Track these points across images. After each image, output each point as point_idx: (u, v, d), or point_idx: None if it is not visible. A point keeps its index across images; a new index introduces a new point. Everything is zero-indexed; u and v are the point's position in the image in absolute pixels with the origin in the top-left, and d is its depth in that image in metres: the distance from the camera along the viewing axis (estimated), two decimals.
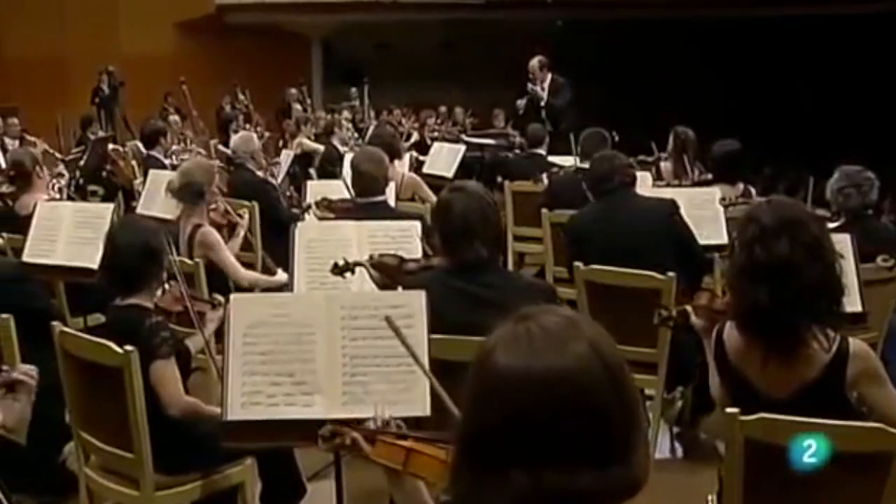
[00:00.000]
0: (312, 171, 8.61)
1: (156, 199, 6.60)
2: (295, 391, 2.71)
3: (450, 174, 8.16)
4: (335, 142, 8.91)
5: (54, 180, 6.57)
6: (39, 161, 5.67)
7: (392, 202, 5.10)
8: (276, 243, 6.27)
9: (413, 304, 2.77)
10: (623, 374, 1.36)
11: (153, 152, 7.90)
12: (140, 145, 11.43)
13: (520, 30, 15.61)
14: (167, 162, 7.80)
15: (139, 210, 6.81)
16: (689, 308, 3.15)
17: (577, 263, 4.36)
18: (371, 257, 3.75)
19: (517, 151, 9.34)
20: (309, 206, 5.48)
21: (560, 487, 1.29)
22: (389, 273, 3.56)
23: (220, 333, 3.73)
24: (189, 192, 4.91)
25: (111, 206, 5.18)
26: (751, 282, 2.48)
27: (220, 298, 3.94)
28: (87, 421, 3.29)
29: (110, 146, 10.22)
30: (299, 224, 4.28)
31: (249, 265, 5.94)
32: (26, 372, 2.24)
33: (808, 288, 2.45)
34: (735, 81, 14.47)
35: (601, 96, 9.77)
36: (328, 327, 2.75)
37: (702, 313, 3.06)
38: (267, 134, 12.03)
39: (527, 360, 1.32)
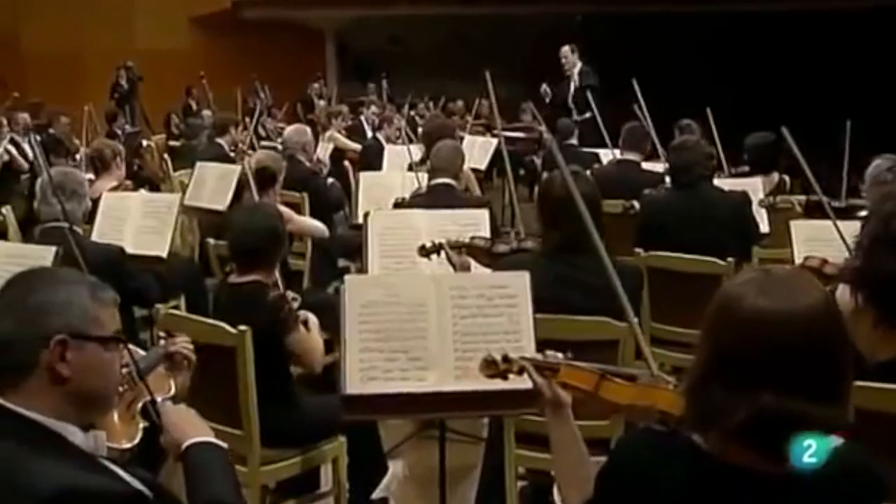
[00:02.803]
0: (347, 163, 8.74)
1: (203, 190, 6.75)
2: (409, 366, 2.86)
3: (482, 167, 8.30)
4: (380, 136, 9.03)
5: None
6: (120, 154, 5.89)
7: None
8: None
9: (517, 285, 2.93)
10: (843, 318, 1.64)
11: (220, 140, 8.08)
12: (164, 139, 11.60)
13: (537, 24, 15.70)
14: (232, 154, 7.98)
15: (186, 202, 6.96)
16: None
17: (638, 250, 4.53)
18: (449, 241, 3.90)
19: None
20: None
21: (798, 411, 1.53)
22: (478, 255, 3.71)
23: None
24: (265, 178, 5.26)
25: (178, 196, 5.34)
26: (884, 251, 2.65)
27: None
28: (191, 400, 3.41)
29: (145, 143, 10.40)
30: (371, 213, 4.43)
31: (300, 254, 6.12)
32: (184, 343, 2.36)
33: None
34: (759, 75, 14.56)
35: (623, 92, 9.90)
36: (438, 306, 2.90)
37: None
38: (287, 129, 12.15)
39: (786, 302, 1.57)
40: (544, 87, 10.15)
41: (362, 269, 4.86)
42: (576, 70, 9.68)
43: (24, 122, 9.08)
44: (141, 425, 2.09)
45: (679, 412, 1.80)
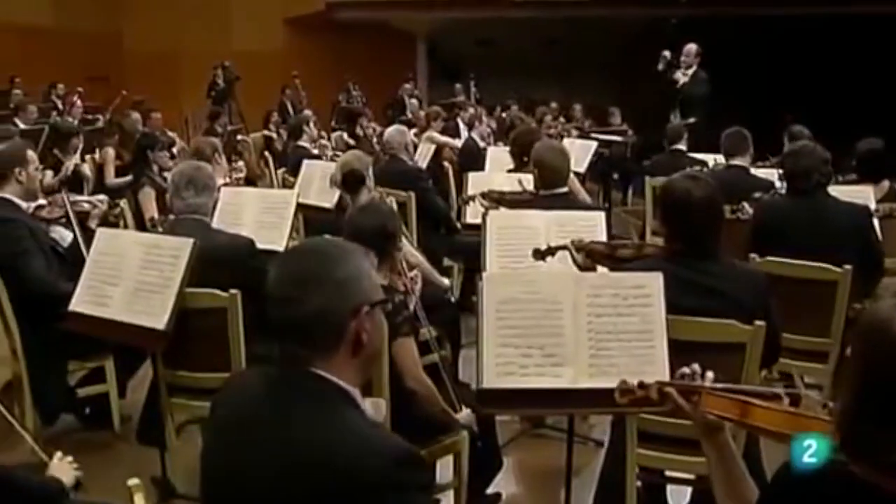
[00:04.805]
0: (445, 164, 8.84)
1: (311, 188, 6.91)
2: (545, 363, 2.92)
3: (582, 170, 8.29)
4: (474, 136, 9.13)
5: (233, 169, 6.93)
6: (219, 149, 6.04)
7: None
8: (431, 231, 6.55)
9: (652, 285, 2.98)
10: None
11: (300, 142, 8.27)
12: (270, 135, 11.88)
13: (629, 28, 15.60)
14: (315, 151, 8.15)
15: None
16: None
17: (753, 255, 4.52)
18: (573, 242, 3.92)
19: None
20: (472, 197, 5.68)
21: None
22: (599, 259, 3.75)
23: None
24: (353, 181, 5.16)
25: (295, 192, 5.48)
26: None
27: (419, 272, 4.19)
28: None
29: (240, 138, 10.66)
30: (490, 213, 4.49)
31: None
32: None
33: None
34: (856, 79, 14.24)
35: (719, 97, 9.80)
36: (574, 304, 2.96)
37: None
38: (379, 129, 12.32)
39: None
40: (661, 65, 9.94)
41: (472, 269, 4.92)
42: (690, 72, 9.58)
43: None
44: None
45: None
